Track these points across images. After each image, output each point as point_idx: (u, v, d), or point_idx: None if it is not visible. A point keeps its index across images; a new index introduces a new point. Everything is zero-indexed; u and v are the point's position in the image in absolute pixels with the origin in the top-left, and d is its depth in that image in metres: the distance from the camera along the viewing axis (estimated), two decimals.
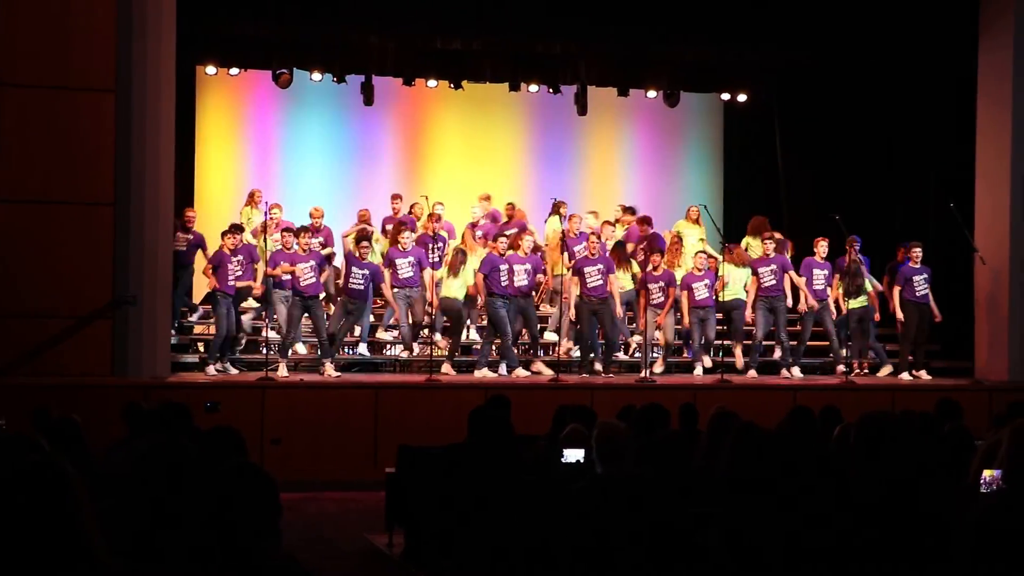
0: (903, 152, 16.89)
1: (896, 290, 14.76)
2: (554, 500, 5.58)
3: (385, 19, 15.46)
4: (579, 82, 16.75)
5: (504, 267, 13.87)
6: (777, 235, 15.47)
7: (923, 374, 14.80)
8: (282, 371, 13.23)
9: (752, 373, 14.69)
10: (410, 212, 15.93)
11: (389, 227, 15.33)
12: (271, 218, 14.78)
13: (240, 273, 13.51)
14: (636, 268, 15.25)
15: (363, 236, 14.26)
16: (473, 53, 16.14)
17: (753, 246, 15.72)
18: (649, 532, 5.05)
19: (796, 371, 14.68)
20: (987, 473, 5.20)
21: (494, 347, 14.18)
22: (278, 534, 3.63)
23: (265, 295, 13.64)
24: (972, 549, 4.39)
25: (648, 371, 14.09)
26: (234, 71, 16.18)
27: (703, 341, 14.66)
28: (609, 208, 16.99)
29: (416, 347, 14.49)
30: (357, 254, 13.82)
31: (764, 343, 15.07)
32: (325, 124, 17.81)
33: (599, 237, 14.51)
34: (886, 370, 15.06)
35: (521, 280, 13.99)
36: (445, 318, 14.39)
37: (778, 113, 17.61)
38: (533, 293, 14.60)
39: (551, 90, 16.87)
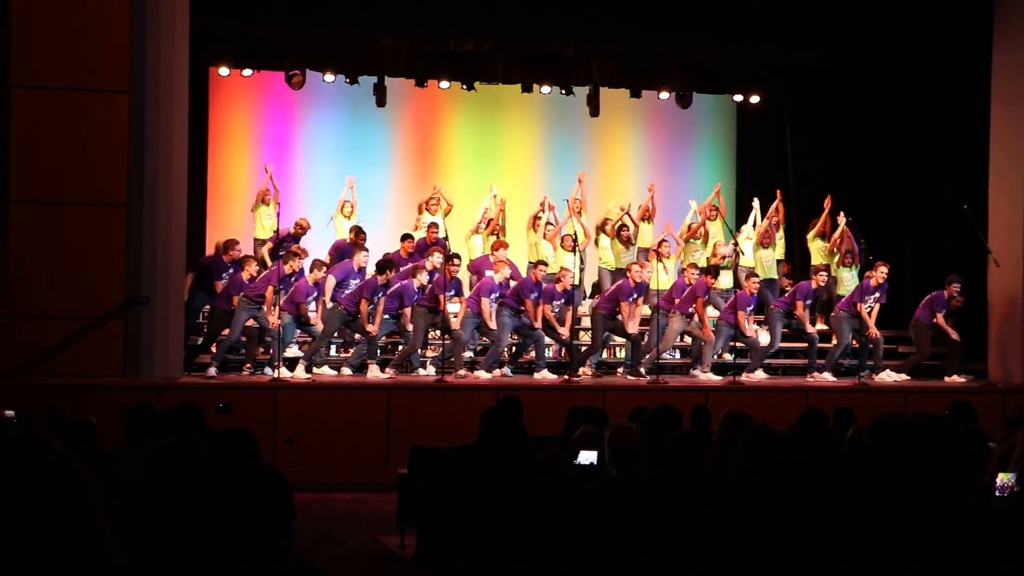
0: (916, 153, 16.85)
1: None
2: (566, 501, 5.57)
3: (398, 20, 15.47)
4: (591, 83, 16.74)
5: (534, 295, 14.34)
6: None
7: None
8: (327, 369, 13.91)
9: (760, 374, 14.71)
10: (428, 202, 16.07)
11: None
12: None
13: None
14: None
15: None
16: (485, 54, 16.14)
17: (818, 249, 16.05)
18: (661, 534, 5.04)
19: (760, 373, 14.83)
20: (1002, 477, 5.18)
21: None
22: (291, 535, 3.63)
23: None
24: (986, 552, 4.38)
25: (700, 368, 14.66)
26: (247, 72, 16.21)
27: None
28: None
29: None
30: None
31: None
32: (337, 125, 17.83)
33: (641, 266, 14.69)
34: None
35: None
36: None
37: (790, 114, 17.59)
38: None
39: (563, 91, 16.86)
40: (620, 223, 16.12)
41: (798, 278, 16.09)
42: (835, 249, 15.77)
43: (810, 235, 16.22)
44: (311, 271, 14.05)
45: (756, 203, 16.63)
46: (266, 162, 16.39)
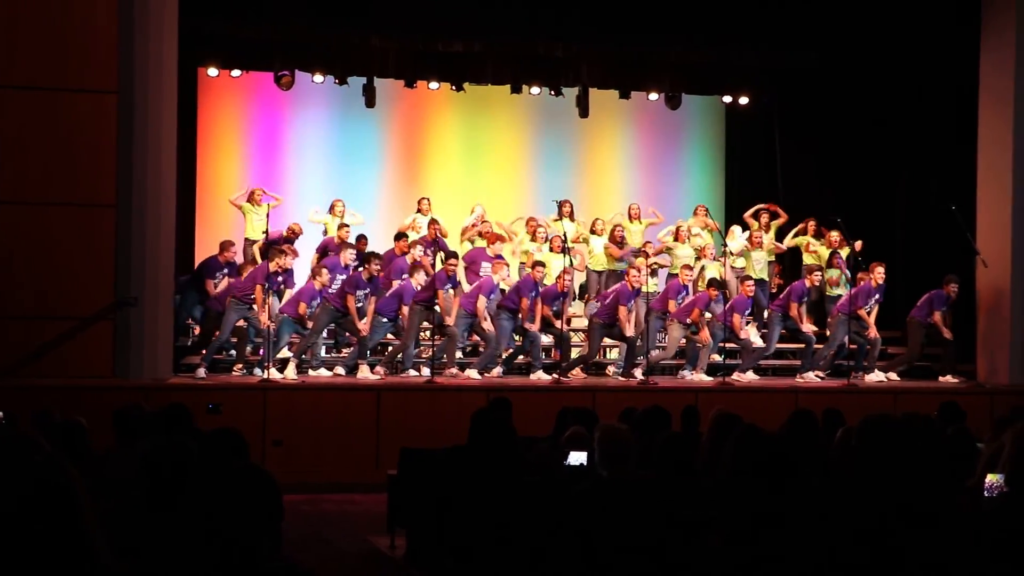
0: (905, 154, 16.89)
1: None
2: (556, 502, 5.57)
3: (387, 21, 15.46)
4: (581, 84, 16.74)
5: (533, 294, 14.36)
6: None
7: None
8: (323, 371, 14.04)
9: (750, 375, 14.73)
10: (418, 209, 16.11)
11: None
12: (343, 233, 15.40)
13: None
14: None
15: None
16: (475, 55, 16.14)
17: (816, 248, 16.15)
18: (651, 534, 5.05)
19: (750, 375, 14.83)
20: (991, 478, 5.19)
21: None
22: (280, 536, 3.63)
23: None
24: (975, 553, 4.39)
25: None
26: (236, 73, 16.20)
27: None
28: (611, 210, 16.99)
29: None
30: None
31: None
32: (327, 126, 17.82)
33: (639, 271, 14.64)
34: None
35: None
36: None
37: (779, 116, 17.61)
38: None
39: (552, 92, 16.86)
40: (613, 223, 16.16)
41: (789, 278, 16.12)
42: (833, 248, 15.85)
43: (792, 232, 16.26)
44: (316, 276, 14.03)
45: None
46: (260, 186, 16.21)
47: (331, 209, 16.06)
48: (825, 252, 15.87)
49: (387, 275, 14.66)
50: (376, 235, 16.43)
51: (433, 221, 15.55)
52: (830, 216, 15.66)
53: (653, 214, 16.76)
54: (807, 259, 16.02)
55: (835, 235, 15.73)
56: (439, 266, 14.28)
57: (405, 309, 14.10)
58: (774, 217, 16.42)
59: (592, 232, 16.22)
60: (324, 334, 14.51)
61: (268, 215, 14.90)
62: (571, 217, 16.24)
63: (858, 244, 15.49)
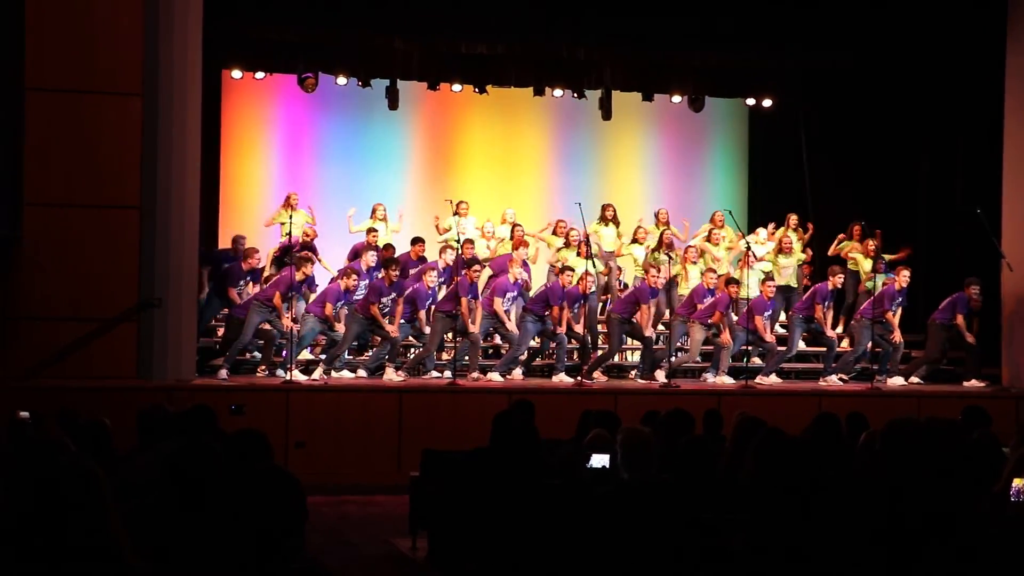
0: (930, 157, 16.80)
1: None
2: (578, 505, 5.57)
3: (410, 23, 15.47)
4: (604, 87, 16.71)
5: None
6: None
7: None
8: (346, 372, 14.02)
9: (773, 378, 14.68)
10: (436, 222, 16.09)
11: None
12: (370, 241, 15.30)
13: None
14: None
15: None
16: (498, 57, 16.13)
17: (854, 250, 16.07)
18: (673, 538, 5.04)
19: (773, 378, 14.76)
20: (1017, 482, 5.17)
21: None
22: (303, 537, 3.64)
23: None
24: (1000, 557, 4.37)
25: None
26: (260, 75, 16.24)
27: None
28: (633, 213, 16.95)
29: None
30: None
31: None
32: (350, 128, 17.85)
33: (658, 270, 14.63)
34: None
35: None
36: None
37: (804, 118, 17.54)
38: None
39: (576, 95, 16.83)
40: (661, 230, 16.07)
41: (817, 278, 15.99)
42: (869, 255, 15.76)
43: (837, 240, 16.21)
44: (342, 278, 14.09)
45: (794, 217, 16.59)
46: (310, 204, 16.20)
47: (372, 213, 16.06)
48: (865, 261, 15.75)
49: (417, 277, 14.75)
50: (399, 237, 16.44)
51: (468, 242, 15.44)
52: (855, 220, 15.59)
53: (682, 224, 16.59)
54: (851, 266, 15.92)
55: (872, 243, 15.65)
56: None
57: (421, 313, 14.17)
58: (801, 224, 16.38)
59: (635, 241, 16.08)
60: None
61: (291, 218, 14.92)
62: (614, 222, 16.19)
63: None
